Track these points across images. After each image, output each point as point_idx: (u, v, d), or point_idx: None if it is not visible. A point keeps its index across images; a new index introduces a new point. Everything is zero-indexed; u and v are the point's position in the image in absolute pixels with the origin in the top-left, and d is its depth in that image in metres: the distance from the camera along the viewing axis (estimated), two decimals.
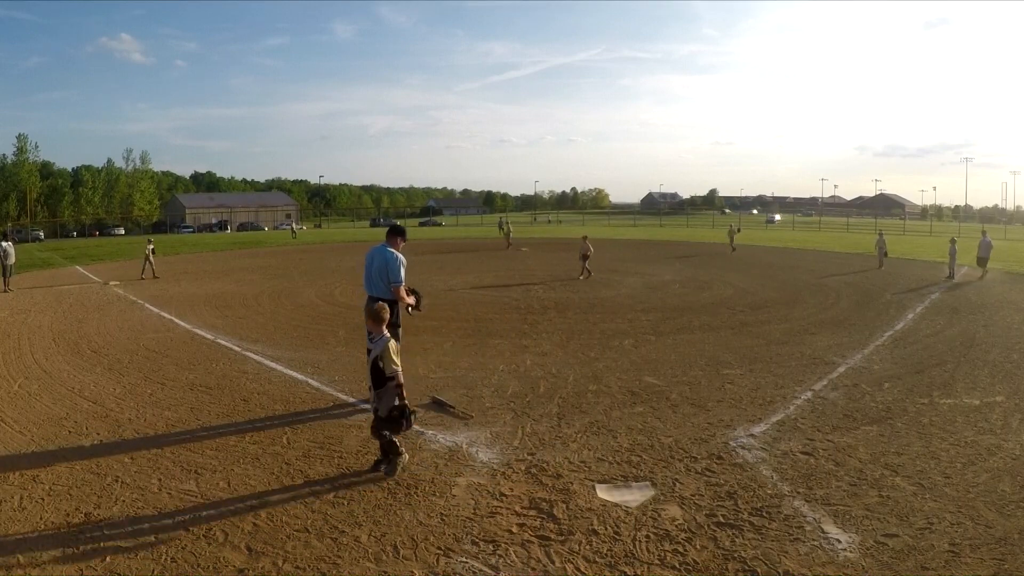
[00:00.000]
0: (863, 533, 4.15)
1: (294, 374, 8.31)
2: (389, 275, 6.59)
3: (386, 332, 5.03)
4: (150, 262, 21.00)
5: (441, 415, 6.61)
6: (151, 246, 21.73)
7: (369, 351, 5.04)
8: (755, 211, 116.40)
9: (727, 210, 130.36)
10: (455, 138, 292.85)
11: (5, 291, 17.37)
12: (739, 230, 33.38)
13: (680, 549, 3.98)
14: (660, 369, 8.51)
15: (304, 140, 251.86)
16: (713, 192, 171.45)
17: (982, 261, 19.87)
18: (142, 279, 20.29)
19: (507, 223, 36.78)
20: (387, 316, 5.06)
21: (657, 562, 3.85)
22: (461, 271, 21.75)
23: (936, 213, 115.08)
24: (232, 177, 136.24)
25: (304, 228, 73.74)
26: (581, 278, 18.48)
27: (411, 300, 6.75)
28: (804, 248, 35.48)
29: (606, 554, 3.94)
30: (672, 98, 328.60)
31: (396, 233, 6.89)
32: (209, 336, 10.94)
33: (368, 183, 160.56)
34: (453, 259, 27.44)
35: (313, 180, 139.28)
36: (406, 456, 5.19)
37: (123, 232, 71.52)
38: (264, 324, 12.11)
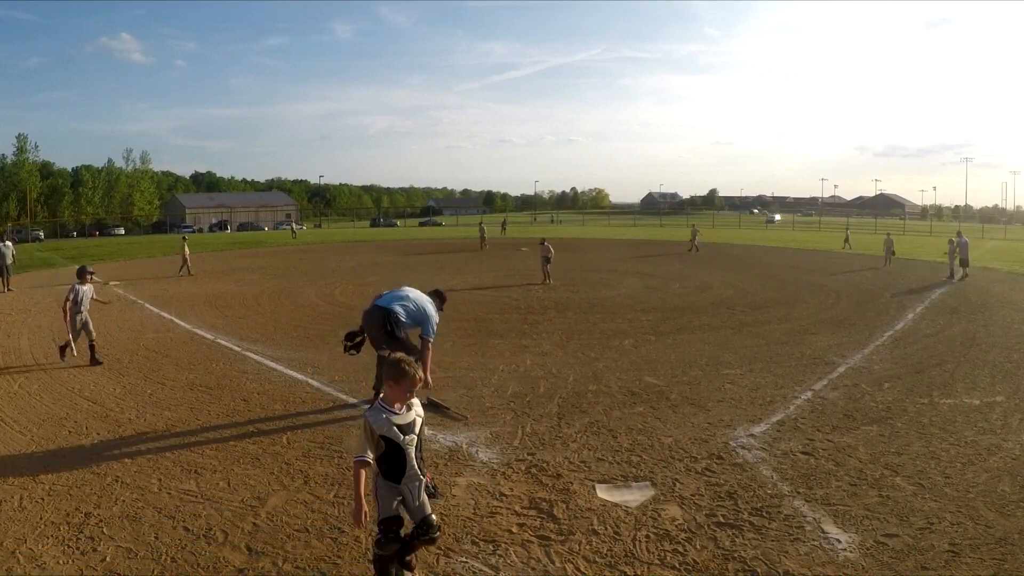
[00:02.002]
0: (863, 533, 4.14)
1: (294, 374, 8.31)
2: (423, 327, 6.72)
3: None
4: (186, 260, 21.35)
5: (440, 415, 6.61)
6: (186, 242, 22.12)
7: (406, 427, 3.23)
8: (768, 213, 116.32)
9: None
10: (455, 138, 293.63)
11: (5, 291, 17.38)
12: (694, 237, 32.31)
13: (680, 549, 3.98)
14: (660, 369, 8.50)
15: (304, 140, 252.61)
16: (713, 192, 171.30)
17: (964, 262, 19.87)
18: (180, 275, 20.80)
19: (504, 223, 36.63)
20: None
21: (657, 562, 3.85)
22: (461, 271, 21.74)
23: (936, 213, 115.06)
24: (232, 177, 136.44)
25: (304, 228, 73.72)
26: (550, 282, 17.60)
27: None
28: (804, 248, 35.50)
29: (606, 554, 3.94)
30: (672, 98, 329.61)
31: (442, 299, 7.31)
32: (209, 336, 10.94)
33: (368, 183, 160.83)
34: (453, 259, 27.45)
35: (313, 180, 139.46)
36: None
37: (123, 232, 71.51)
38: (264, 324, 12.11)
